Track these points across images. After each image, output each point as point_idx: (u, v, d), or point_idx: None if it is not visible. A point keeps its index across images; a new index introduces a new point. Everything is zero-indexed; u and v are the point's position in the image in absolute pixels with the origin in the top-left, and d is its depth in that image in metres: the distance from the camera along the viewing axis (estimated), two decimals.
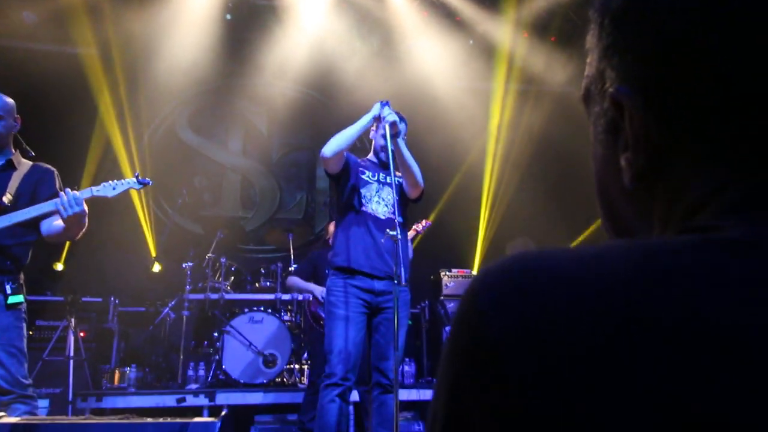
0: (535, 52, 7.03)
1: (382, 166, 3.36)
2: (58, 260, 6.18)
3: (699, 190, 0.46)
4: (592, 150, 0.57)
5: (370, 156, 3.45)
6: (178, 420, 2.38)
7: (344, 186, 3.30)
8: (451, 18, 6.86)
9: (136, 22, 6.14)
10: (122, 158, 6.44)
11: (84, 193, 2.77)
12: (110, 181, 2.90)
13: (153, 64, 6.41)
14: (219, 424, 2.42)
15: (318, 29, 6.58)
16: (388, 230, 3.05)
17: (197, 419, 2.40)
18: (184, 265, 5.32)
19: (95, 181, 6.26)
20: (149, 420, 2.36)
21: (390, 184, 3.32)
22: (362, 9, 6.58)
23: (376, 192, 3.33)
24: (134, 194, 6.34)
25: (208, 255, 5.42)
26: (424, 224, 4.79)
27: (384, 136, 3.20)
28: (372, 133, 3.41)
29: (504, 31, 6.84)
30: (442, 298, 5.54)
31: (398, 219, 3.14)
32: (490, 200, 7.21)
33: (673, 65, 0.46)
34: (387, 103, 3.24)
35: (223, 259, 5.44)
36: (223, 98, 7.11)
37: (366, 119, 3.23)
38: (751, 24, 0.43)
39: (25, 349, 2.82)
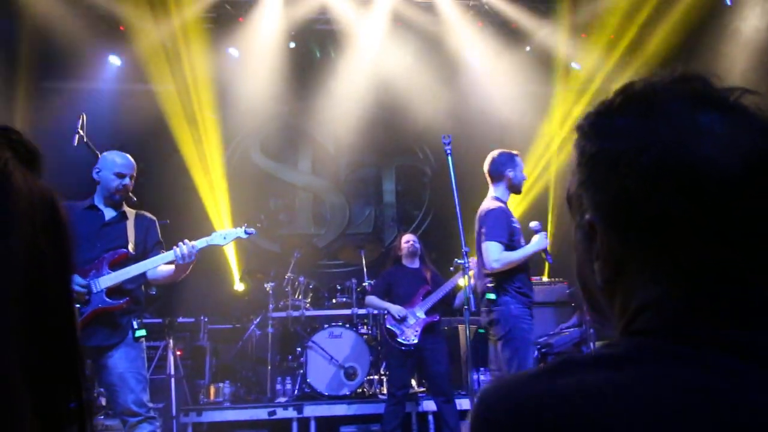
0: (592, 53, 7.08)
1: None
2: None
3: (640, 300, 0.62)
4: (574, 247, 0.72)
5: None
6: None
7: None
8: (506, 26, 7.01)
9: (208, 59, 6.62)
10: (202, 187, 6.93)
11: (200, 243, 3.17)
12: (221, 231, 3.30)
13: (226, 95, 6.89)
14: None
15: (376, 49, 6.88)
16: None
17: None
18: (266, 285, 5.75)
19: (179, 214, 6.81)
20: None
21: None
22: (418, 26, 6.83)
23: None
24: (216, 219, 6.82)
25: (288, 275, 5.82)
26: None
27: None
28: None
29: (560, 35, 6.93)
30: None
31: None
32: (556, 208, 7.28)
33: (629, 209, 0.61)
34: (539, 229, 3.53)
35: (301, 278, 5.84)
36: (292, 122, 7.54)
37: (533, 249, 3.48)
38: (678, 189, 0.58)
39: (147, 376, 3.26)
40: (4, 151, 0.53)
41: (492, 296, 3.40)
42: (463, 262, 3.45)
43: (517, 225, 3.54)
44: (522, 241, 3.54)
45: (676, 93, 0.63)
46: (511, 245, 3.44)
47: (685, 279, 0.60)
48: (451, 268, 4.03)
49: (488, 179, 3.64)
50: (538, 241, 3.45)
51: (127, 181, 3.28)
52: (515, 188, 3.61)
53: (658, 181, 0.59)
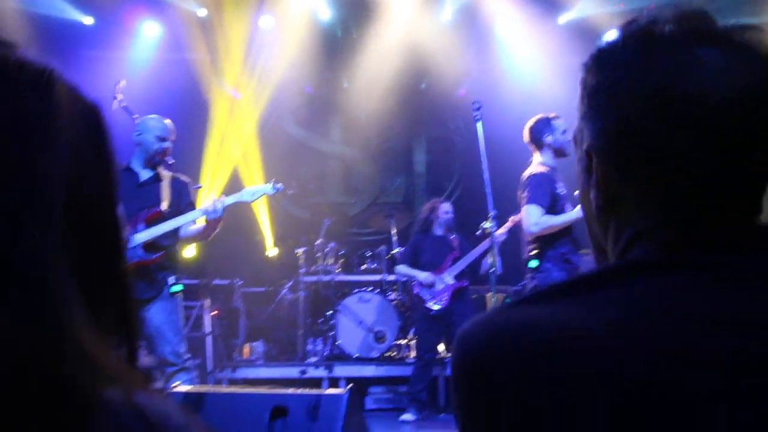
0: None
1: None
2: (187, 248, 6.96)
3: (634, 229, 0.64)
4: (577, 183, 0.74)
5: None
6: (314, 392, 2.85)
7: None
8: None
9: (242, 29, 6.70)
10: (235, 155, 7.06)
11: (230, 199, 3.29)
12: (250, 187, 3.41)
13: (259, 64, 6.98)
14: (347, 396, 2.87)
15: (409, 19, 6.86)
16: None
17: (329, 391, 2.86)
18: (297, 251, 5.89)
19: (213, 177, 6.92)
20: (291, 391, 2.84)
21: None
22: None
23: None
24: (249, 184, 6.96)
25: (318, 241, 5.95)
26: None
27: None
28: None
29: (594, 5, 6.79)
30: None
31: None
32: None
33: (625, 139, 0.63)
34: None
35: (331, 244, 5.96)
36: (324, 92, 7.59)
37: (576, 215, 3.33)
38: (673, 120, 0.59)
39: (183, 332, 3.42)
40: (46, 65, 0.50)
41: (534, 263, 3.34)
42: (490, 226, 3.48)
43: (562, 191, 3.42)
44: (568, 208, 3.43)
45: (677, 29, 0.64)
46: (553, 210, 3.34)
47: (678, 209, 0.62)
48: (478, 233, 4.06)
49: (531, 149, 3.54)
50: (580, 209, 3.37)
51: (168, 144, 3.40)
52: (559, 152, 3.47)
53: (653, 112, 0.60)
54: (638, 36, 0.65)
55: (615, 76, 0.65)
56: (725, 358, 0.52)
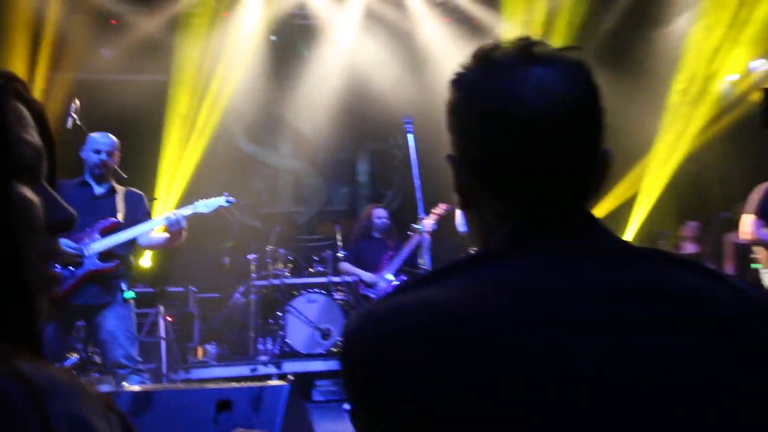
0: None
1: None
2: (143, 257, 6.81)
3: (488, 224, 0.69)
4: None
5: None
6: (257, 384, 2.86)
7: None
8: (469, 23, 7.11)
9: (195, 49, 6.64)
10: (189, 170, 6.95)
11: (185, 211, 3.27)
12: (203, 200, 3.39)
13: (211, 85, 6.92)
14: (288, 387, 2.89)
15: (351, 42, 6.95)
16: None
17: (270, 383, 2.88)
18: (248, 257, 5.85)
19: (170, 195, 6.80)
20: (235, 385, 2.85)
21: None
22: (389, 21, 6.93)
23: None
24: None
25: (268, 247, 5.93)
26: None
27: None
28: None
29: (515, 33, 7.04)
30: None
31: None
32: None
33: (472, 148, 0.68)
34: None
35: (281, 250, 5.95)
36: (273, 109, 7.58)
37: None
38: (506, 130, 0.64)
39: (136, 333, 3.37)
40: None
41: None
42: (419, 227, 3.60)
43: None
44: None
45: (515, 53, 0.69)
46: None
47: (519, 204, 0.66)
48: (409, 232, 4.19)
49: None
50: None
51: (104, 156, 3.30)
52: None
53: (486, 124, 0.66)
54: (481, 60, 0.71)
55: (462, 96, 0.71)
56: (581, 322, 0.55)
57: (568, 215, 0.66)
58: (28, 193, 0.47)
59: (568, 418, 0.51)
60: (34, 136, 0.50)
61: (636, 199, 6.81)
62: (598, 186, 0.68)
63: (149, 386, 3.09)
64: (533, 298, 0.57)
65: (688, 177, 6.67)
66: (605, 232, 0.66)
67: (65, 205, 0.50)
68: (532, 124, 0.64)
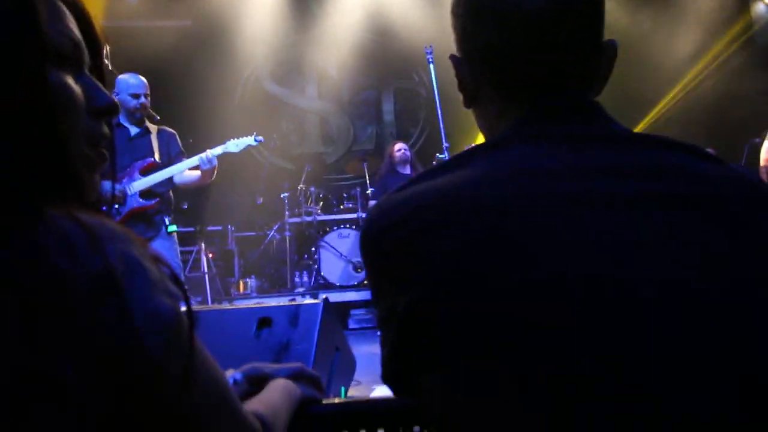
0: None
1: None
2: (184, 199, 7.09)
3: (492, 115, 0.71)
4: None
5: None
6: (294, 303, 3.10)
7: None
8: None
9: None
10: (220, 113, 7.09)
11: (216, 151, 3.42)
12: (234, 139, 3.52)
13: (237, 29, 6.95)
14: (322, 305, 3.12)
15: None
16: None
17: (306, 301, 3.10)
18: (282, 195, 6.07)
19: (203, 136, 6.98)
20: (273, 304, 3.09)
21: None
22: None
23: None
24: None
25: (300, 186, 6.12)
26: None
27: None
28: None
29: None
30: None
31: None
32: None
33: (467, 43, 0.69)
34: None
35: (312, 189, 6.14)
36: (298, 51, 7.60)
37: None
38: (501, 22, 0.65)
39: (181, 266, 3.61)
40: None
41: None
42: (444, 156, 3.66)
43: None
44: None
45: None
46: None
47: (520, 94, 0.67)
48: (434, 163, 4.23)
49: None
50: None
51: (142, 99, 3.41)
52: None
53: (481, 17, 0.67)
54: None
55: None
56: (587, 198, 0.57)
57: (571, 104, 0.66)
58: (68, 80, 0.50)
59: (583, 285, 0.52)
60: (71, 29, 0.52)
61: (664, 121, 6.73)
62: (600, 75, 0.69)
63: (197, 306, 3.35)
64: (542, 178, 0.59)
65: (716, 101, 6.51)
66: (609, 120, 0.66)
67: (107, 93, 0.54)
68: (521, 16, 0.64)
